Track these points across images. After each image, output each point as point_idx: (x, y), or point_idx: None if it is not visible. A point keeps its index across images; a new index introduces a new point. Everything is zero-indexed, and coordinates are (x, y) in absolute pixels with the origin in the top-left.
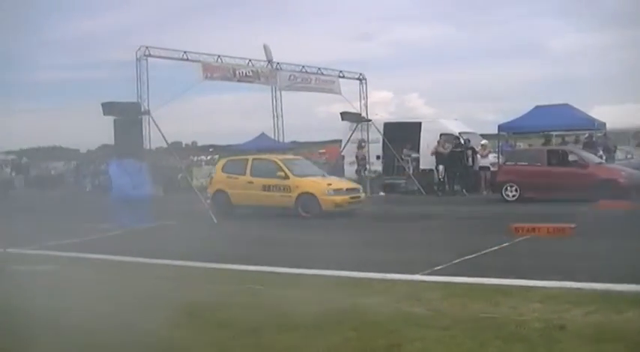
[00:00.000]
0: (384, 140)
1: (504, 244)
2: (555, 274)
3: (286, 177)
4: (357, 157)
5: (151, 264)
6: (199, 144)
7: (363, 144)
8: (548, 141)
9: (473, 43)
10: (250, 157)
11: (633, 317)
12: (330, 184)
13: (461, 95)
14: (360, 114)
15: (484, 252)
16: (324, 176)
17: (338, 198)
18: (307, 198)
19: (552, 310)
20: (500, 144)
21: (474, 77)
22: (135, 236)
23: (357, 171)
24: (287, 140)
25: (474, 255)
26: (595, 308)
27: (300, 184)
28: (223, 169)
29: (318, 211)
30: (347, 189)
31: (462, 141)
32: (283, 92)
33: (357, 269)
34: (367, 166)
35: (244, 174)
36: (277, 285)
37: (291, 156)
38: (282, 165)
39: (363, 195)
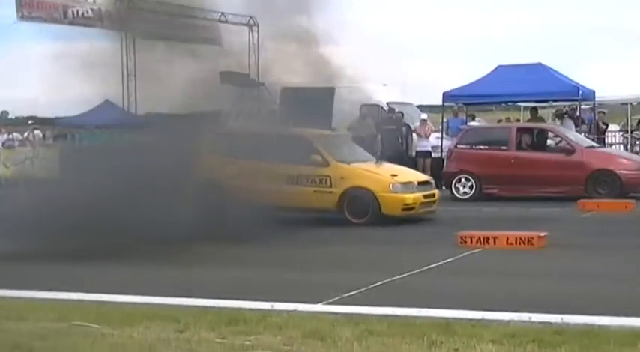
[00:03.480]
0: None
1: (447, 259)
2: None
3: (325, 163)
4: None
5: None
6: (12, 115)
7: None
8: (535, 116)
9: None
10: None
11: None
12: (395, 175)
13: (397, 47)
14: (248, 76)
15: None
16: (379, 162)
17: (409, 197)
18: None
19: None
20: (447, 119)
21: (421, 24)
22: None
23: None
24: (142, 111)
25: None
26: None
27: (347, 174)
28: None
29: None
30: (419, 183)
31: (393, 116)
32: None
33: None
34: None
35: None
36: None
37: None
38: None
39: (437, 192)
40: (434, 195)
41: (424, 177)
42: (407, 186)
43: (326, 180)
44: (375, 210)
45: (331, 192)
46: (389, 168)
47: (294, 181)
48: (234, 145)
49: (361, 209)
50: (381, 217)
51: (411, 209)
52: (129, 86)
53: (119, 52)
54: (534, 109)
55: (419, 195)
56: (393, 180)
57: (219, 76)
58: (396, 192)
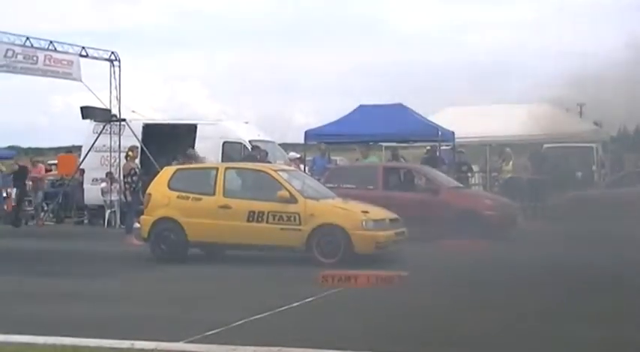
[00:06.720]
0: (142, 149)
1: (308, 298)
2: None
3: (293, 199)
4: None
5: None
6: None
7: (132, 151)
8: (395, 154)
9: (283, 15)
10: (221, 166)
11: None
12: (366, 212)
13: (262, 87)
14: (109, 111)
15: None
16: (344, 199)
17: (382, 235)
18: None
19: None
20: (312, 158)
21: (280, 62)
22: None
23: (128, 192)
24: (2, 144)
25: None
26: None
27: (317, 211)
28: (170, 184)
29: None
30: (390, 221)
31: (258, 154)
32: None
33: None
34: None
35: (213, 193)
36: None
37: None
38: (282, 179)
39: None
40: (404, 232)
41: (393, 215)
42: (379, 223)
43: (294, 217)
44: (347, 248)
45: (300, 230)
46: (357, 204)
47: (257, 218)
48: (195, 181)
49: (332, 247)
50: (352, 256)
51: (383, 247)
52: None
53: None
54: (395, 149)
55: (391, 232)
56: (366, 217)
57: (81, 110)
58: (368, 230)
